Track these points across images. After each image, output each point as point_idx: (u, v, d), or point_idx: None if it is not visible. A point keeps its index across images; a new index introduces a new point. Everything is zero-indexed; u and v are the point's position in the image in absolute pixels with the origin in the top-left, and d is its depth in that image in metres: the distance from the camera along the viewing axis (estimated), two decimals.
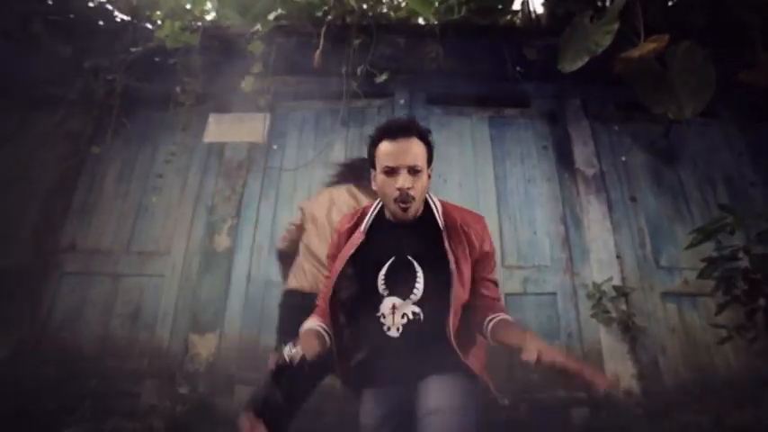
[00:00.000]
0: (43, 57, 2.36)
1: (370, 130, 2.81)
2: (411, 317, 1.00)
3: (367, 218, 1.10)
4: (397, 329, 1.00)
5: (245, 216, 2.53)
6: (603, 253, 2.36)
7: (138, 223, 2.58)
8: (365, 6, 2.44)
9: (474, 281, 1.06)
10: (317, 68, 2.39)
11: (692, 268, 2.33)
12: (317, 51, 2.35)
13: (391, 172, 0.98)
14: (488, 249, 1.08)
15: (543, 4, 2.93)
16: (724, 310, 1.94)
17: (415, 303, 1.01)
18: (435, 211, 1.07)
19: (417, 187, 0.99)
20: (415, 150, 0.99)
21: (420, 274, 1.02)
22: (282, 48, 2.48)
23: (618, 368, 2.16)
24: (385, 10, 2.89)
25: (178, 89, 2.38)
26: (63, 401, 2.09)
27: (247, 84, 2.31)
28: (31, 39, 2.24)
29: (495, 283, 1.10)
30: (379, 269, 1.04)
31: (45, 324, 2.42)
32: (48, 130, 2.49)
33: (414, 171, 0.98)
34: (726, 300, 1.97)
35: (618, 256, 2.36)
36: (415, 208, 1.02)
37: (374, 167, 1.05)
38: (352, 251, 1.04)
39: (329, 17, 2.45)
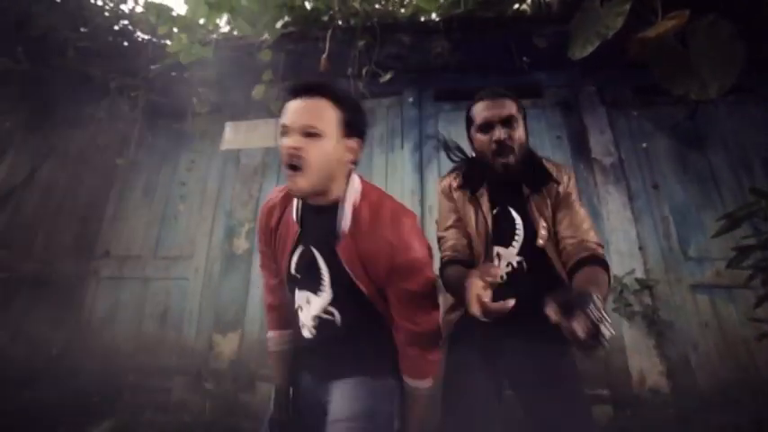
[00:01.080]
0: (76, 80, 2.56)
1: (380, 129, 2.84)
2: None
3: (295, 204, 0.96)
4: (312, 328, 0.95)
5: None
6: (624, 245, 2.26)
7: (164, 229, 2.74)
8: (369, 8, 2.45)
9: (392, 289, 0.89)
10: (325, 72, 2.43)
11: (724, 258, 2.17)
12: (324, 55, 2.40)
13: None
14: (408, 257, 0.86)
15: None
16: (764, 303, 1.81)
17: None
18: (347, 200, 0.89)
19: (309, 151, 0.80)
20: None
21: (324, 268, 0.90)
22: (291, 54, 2.55)
23: (643, 364, 2.06)
24: (390, 8, 2.89)
25: (195, 100, 2.50)
26: (105, 393, 2.27)
27: (258, 92, 2.39)
28: (66, 66, 2.43)
29: (414, 294, 0.90)
30: (291, 258, 0.94)
31: (87, 324, 2.64)
32: (82, 145, 2.69)
33: (308, 134, 0.80)
34: (766, 291, 1.83)
35: (640, 248, 2.24)
36: (308, 181, 0.81)
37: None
38: (292, 245, 0.93)
39: (335, 21, 2.49)
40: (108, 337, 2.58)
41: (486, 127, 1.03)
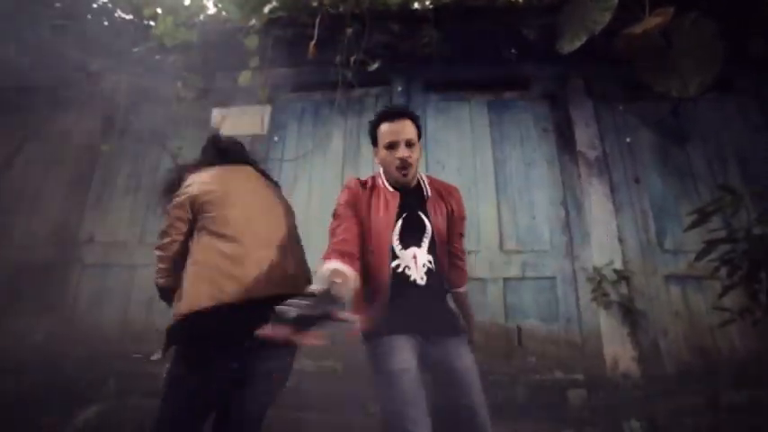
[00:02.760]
0: (54, 61, 2.47)
1: (368, 118, 2.83)
2: (430, 266, 1.22)
3: (386, 185, 1.28)
4: (422, 278, 1.19)
5: None
6: (605, 236, 2.33)
7: (150, 216, 2.71)
8: None
9: (449, 235, 1.32)
10: (313, 59, 2.40)
11: (697, 251, 2.27)
12: (312, 42, 2.37)
13: (393, 146, 1.22)
14: (463, 214, 1.38)
15: None
16: (728, 293, 1.91)
17: (427, 252, 1.23)
18: (423, 182, 1.32)
19: (414, 156, 1.22)
20: (408, 127, 1.23)
21: (429, 226, 1.25)
22: (279, 40, 2.51)
23: (617, 351, 2.16)
24: None
25: (179, 84, 2.45)
26: (91, 379, 2.28)
27: (244, 78, 2.35)
28: (40, 45, 2.34)
29: (462, 236, 1.39)
30: (392, 227, 1.22)
31: (72, 311, 2.62)
32: (64, 129, 2.62)
33: (409, 144, 1.21)
34: (731, 282, 1.93)
35: (620, 240, 2.32)
36: (412, 174, 1.24)
37: (375, 146, 1.30)
38: (397, 209, 1.23)
39: (324, 7, 2.44)
40: (94, 323, 2.57)
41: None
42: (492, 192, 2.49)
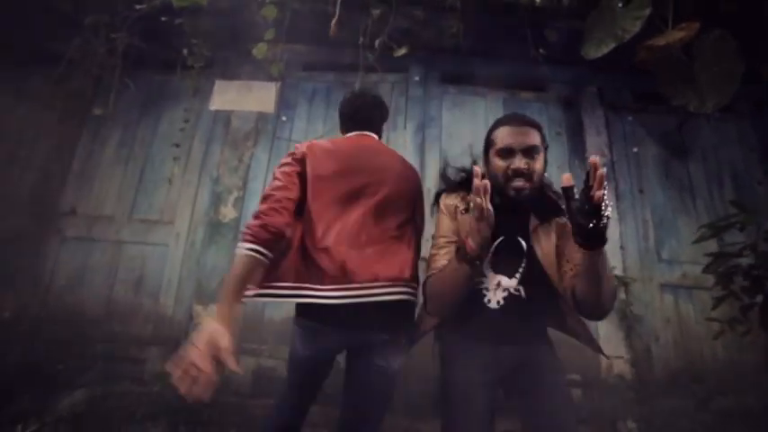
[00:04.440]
0: (41, 9, 2.22)
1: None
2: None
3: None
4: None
5: (251, 188, 2.50)
6: (608, 243, 2.38)
7: (141, 191, 2.53)
8: None
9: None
10: (333, 38, 2.28)
11: (691, 262, 2.38)
12: (334, 20, 2.25)
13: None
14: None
15: None
16: (720, 305, 2.01)
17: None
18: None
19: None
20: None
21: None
22: (296, 14, 2.36)
23: (613, 354, 2.23)
24: None
25: (185, 52, 2.26)
26: (72, 363, 2.12)
27: (260, 51, 2.21)
28: None
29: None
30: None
31: (48, 287, 2.42)
32: (47, 87, 2.37)
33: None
34: (722, 294, 2.03)
35: (621, 247, 2.39)
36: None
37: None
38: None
39: None
40: (74, 302, 2.39)
41: (507, 153, 1.02)
42: None
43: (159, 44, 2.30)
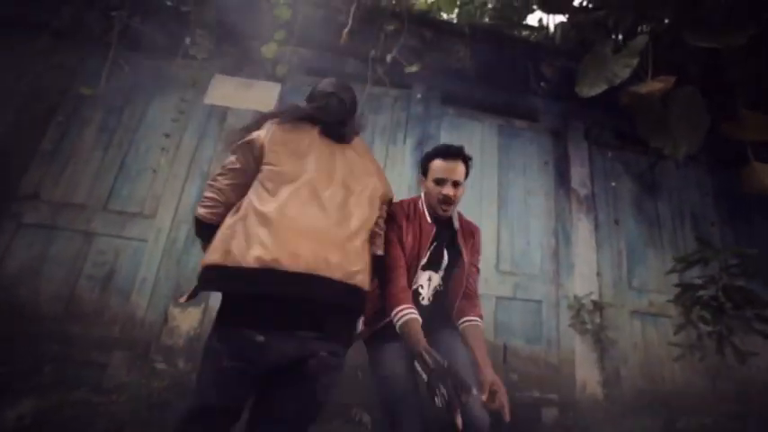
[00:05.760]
0: None
1: (384, 118, 2.80)
2: (439, 288, 1.40)
3: (426, 214, 1.40)
4: (428, 299, 1.39)
5: None
6: (586, 269, 2.55)
7: (121, 180, 2.35)
8: None
9: (468, 268, 1.43)
10: (343, 46, 2.30)
11: (657, 291, 2.60)
12: (346, 29, 2.27)
13: (441, 182, 1.34)
14: (479, 249, 1.52)
15: (556, 26, 3.06)
16: (681, 331, 2.20)
17: (441, 278, 1.39)
18: (454, 217, 1.43)
19: (457, 195, 1.35)
20: (459, 169, 1.34)
21: (446, 257, 1.40)
22: (308, 19, 2.36)
23: (586, 375, 2.35)
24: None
25: (188, 41, 2.17)
26: (18, 365, 1.88)
27: (269, 50, 2.17)
28: None
29: (478, 269, 1.51)
30: (424, 256, 1.36)
31: None
32: (24, 56, 2.17)
33: (456, 184, 1.34)
34: (682, 322, 2.22)
35: (598, 273, 2.55)
36: (451, 211, 1.39)
37: (425, 175, 1.41)
38: (430, 239, 1.36)
39: None
40: (26, 295, 2.13)
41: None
42: (494, 212, 2.58)
43: (160, 28, 2.18)
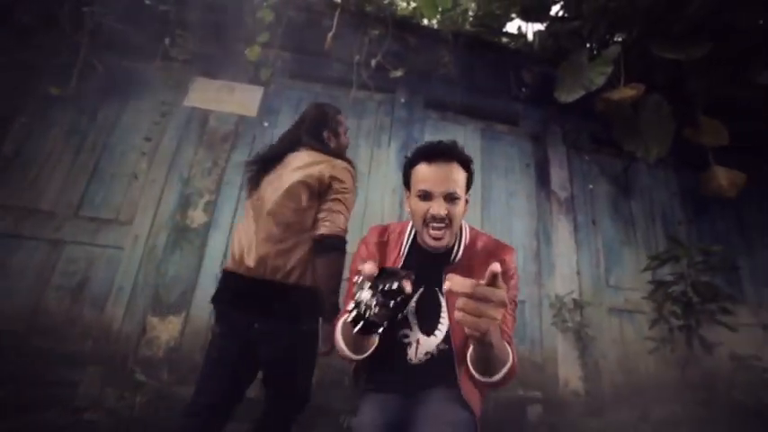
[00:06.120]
0: None
1: (368, 122, 2.80)
2: (435, 353, 0.95)
3: (405, 241, 1.03)
4: (419, 360, 0.96)
5: (225, 192, 2.34)
6: (567, 269, 2.63)
7: (94, 185, 2.23)
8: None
9: None
10: (327, 50, 2.30)
11: (632, 288, 2.72)
12: (330, 33, 2.26)
13: (426, 196, 0.93)
14: (513, 278, 0.96)
15: (535, 34, 3.18)
16: (655, 326, 2.31)
17: (440, 340, 0.95)
18: (458, 241, 0.99)
19: (454, 213, 0.92)
20: (454, 176, 0.92)
21: (445, 308, 0.96)
22: (292, 22, 2.34)
23: (568, 372, 2.43)
24: (390, 4, 2.87)
25: (167, 42, 2.10)
26: None
27: (253, 53, 2.13)
28: None
29: (514, 312, 0.95)
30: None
31: None
32: None
33: (451, 198, 0.91)
34: (656, 318, 2.34)
35: (578, 273, 2.64)
36: (449, 237, 0.93)
37: (408, 189, 0.99)
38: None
39: (348, 3, 2.37)
40: None
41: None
42: (478, 215, 2.63)
43: (137, 28, 2.10)
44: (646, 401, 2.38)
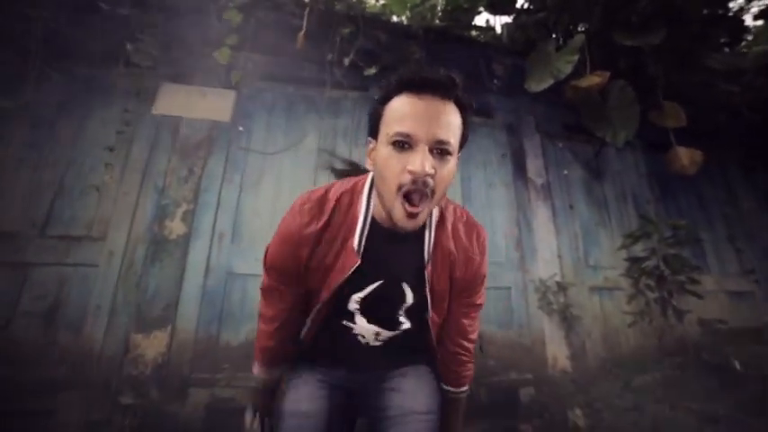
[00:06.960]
0: None
1: (345, 121, 2.79)
2: (391, 337, 0.87)
3: (362, 220, 0.75)
4: (377, 343, 0.87)
5: (204, 200, 2.27)
6: (548, 253, 2.72)
7: (60, 202, 2.11)
8: None
9: (457, 304, 0.85)
10: (299, 51, 2.26)
11: (610, 267, 2.84)
12: (301, 33, 2.23)
13: (404, 144, 0.63)
14: (483, 271, 0.83)
15: (503, 27, 3.26)
16: (633, 301, 2.43)
17: (404, 336, 0.86)
18: (430, 224, 0.79)
19: (441, 175, 0.64)
20: (449, 118, 0.64)
21: (410, 299, 0.80)
22: (261, 23, 2.29)
23: (556, 351, 2.52)
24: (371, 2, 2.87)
25: (129, 47, 2.00)
26: None
27: (222, 55, 2.07)
28: None
29: (478, 308, 0.88)
30: (360, 290, 0.78)
31: None
32: None
33: (441, 149, 0.63)
34: (633, 292, 2.47)
35: (559, 256, 2.74)
36: (426, 214, 0.67)
37: (375, 137, 0.70)
38: (343, 279, 0.74)
39: (318, 2, 2.34)
40: None
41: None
42: None
43: (95, 33, 2.00)
44: (627, 372, 2.51)
